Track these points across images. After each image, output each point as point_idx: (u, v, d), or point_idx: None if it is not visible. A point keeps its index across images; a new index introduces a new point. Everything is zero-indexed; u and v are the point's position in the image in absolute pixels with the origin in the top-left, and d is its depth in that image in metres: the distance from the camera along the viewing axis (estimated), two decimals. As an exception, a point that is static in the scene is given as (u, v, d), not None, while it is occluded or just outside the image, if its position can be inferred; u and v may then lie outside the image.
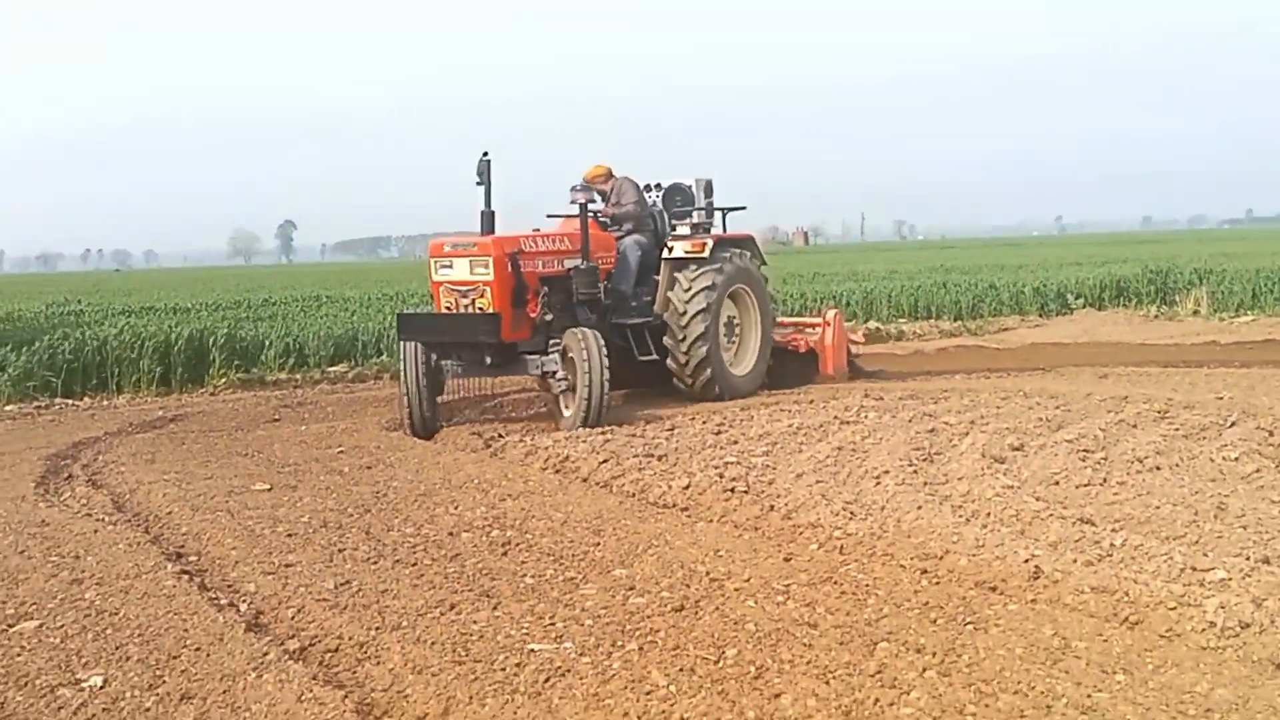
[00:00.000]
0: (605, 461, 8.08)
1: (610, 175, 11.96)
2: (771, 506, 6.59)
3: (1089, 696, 3.79)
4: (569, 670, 4.26)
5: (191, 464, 8.99)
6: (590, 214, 10.86)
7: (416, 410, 10.13)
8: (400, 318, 10.39)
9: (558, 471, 8.16)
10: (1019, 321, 21.04)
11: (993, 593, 5.04)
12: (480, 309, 10.04)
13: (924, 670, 4.10)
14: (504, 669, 4.31)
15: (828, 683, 4.04)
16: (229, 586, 5.62)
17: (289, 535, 6.49)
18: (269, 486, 7.90)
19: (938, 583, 5.20)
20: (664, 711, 3.85)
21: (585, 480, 7.83)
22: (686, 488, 7.15)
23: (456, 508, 7.03)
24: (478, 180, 10.24)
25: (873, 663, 4.19)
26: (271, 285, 39.99)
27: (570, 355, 9.99)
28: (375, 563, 5.88)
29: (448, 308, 10.18)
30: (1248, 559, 5.27)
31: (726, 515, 6.61)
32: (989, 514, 6.22)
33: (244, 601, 5.35)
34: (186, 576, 5.74)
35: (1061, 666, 4.08)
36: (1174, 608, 4.62)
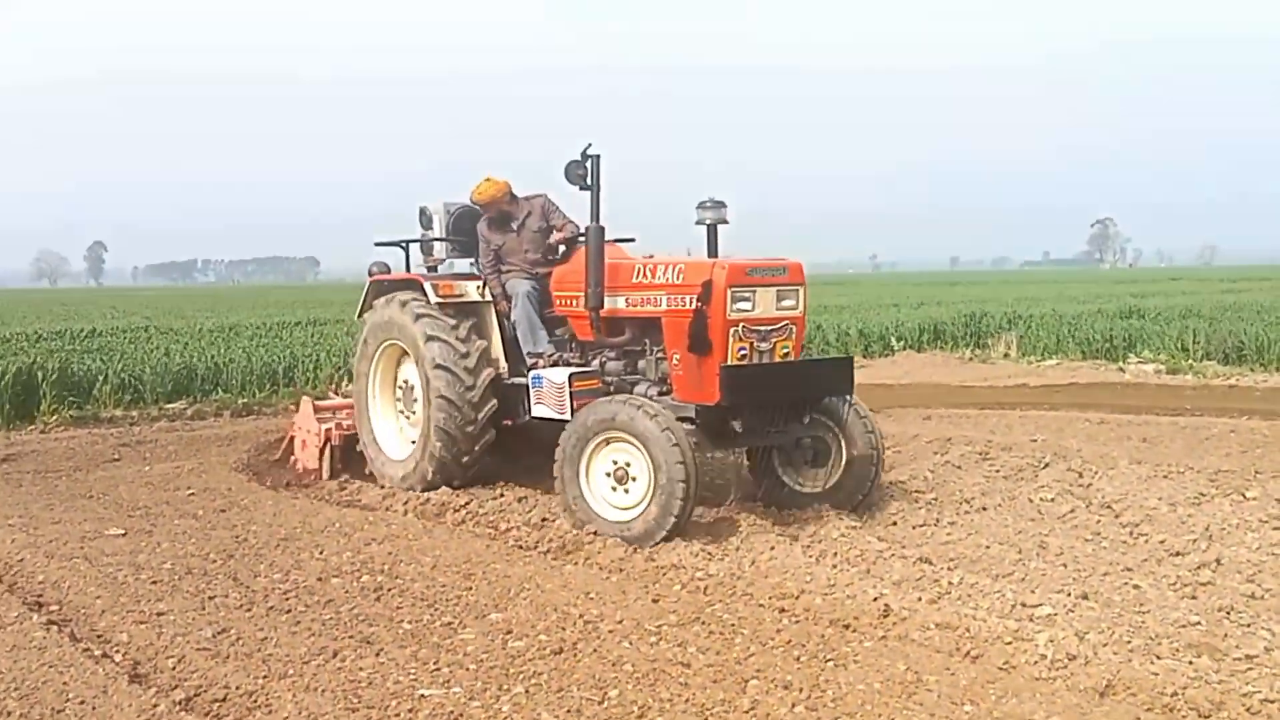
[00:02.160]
0: (468, 504, 8.25)
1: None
2: (634, 549, 6.90)
3: (941, 726, 4.20)
4: (461, 714, 4.46)
5: (34, 507, 8.74)
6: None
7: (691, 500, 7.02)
8: (727, 373, 7.31)
9: (419, 515, 8.28)
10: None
11: (847, 630, 5.45)
12: (784, 356, 7.65)
13: (794, 706, 4.46)
14: (398, 715, 4.48)
15: None
16: (100, 637, 5.59)
17: (154, 582, 6.45)
18: (123, 531, 7.78)
19: (797, 621, 5.59)
20: (558, 752, 4.09)
21: (449, 524, 7.98)
22: (543, 522, 7.48)
23: (322, 553, 7.10)
24: (582, 183, 7.85)
25: (745, 699, 4.53)
26: (89, 313, 38.37)
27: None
28: (249, 610, 5.93)
29: (741, 356, 7.43)
30: (1069, 595, 5.84)
31: (591, 557, 6.88)
32: (836, 553, 6.66)
33: (118, 652, 5.35)
34: (55, 627, 5.68)
35: (916, 699, 4.49)
36: (1009, 642, 5.11)
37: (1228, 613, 5.50)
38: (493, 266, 9.07)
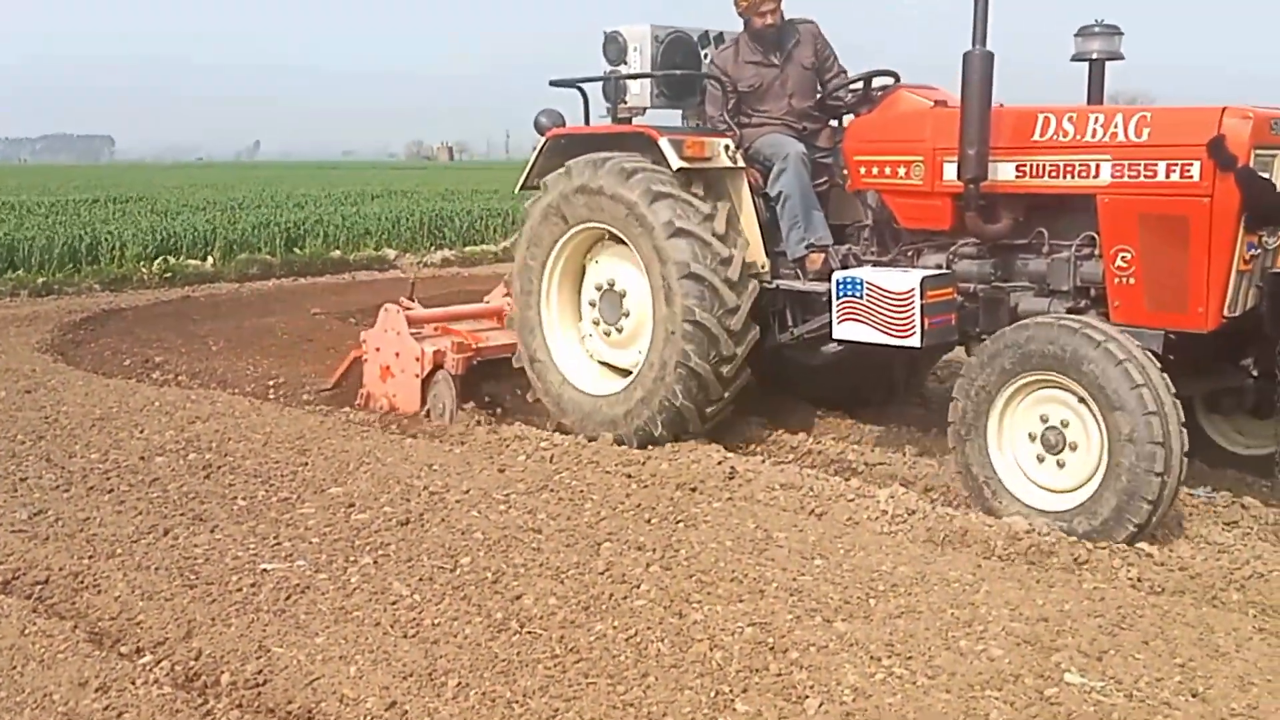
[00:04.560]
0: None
1: None
2: (478, 421, 6.77)
3: (795, 580, 4.27)
4: (309, 587, 4.30)
5: None
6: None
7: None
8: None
9: (248, 395, 7.94)
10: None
11: (694, 493, 5.49)
12: None
13: (648, 566, 4.46)
14: (240, 589, 4.29)
15: (562, 582, 4.31)
16: (-101, 523, 5.17)
17: (-44, 466, 6.01)
18: (-84, 414, 7.22)
19: (645, 486, 5.59)
20: (413, 619, 3.99)
21: (278, 401, 7.69)
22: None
23: (143, 432, 6.73)
24: None
25: (600, 561, 4.50)
26: None
27: None
28: (67, 490, 5.58)
29: (1252, 257, 4.91)
30: (906, 455, 6.06)
31: (434, 431, 6.73)
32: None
33: (-78, 538, 4.96)
34: None
35: (768, 555, 4.55)
36: (851, 499, 5.24)
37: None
38: (733, 116, 6.44)
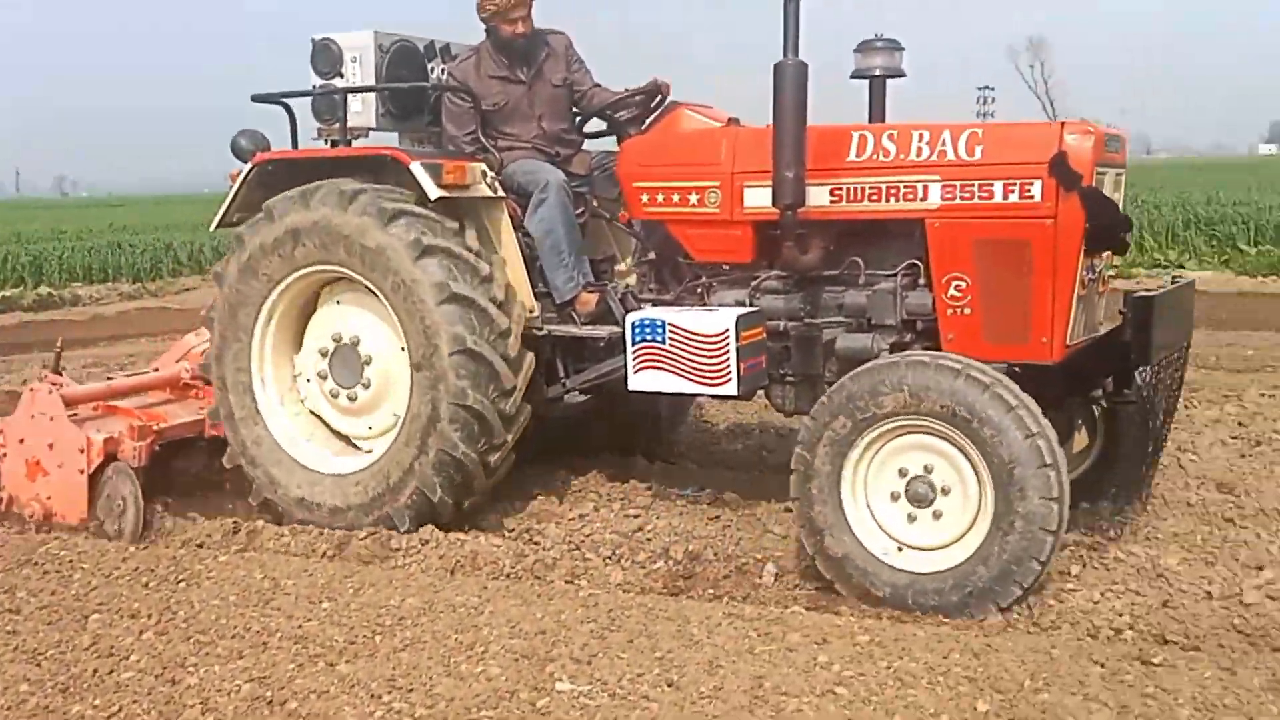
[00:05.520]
0: None
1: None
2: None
3: (300, 626, 4.17)
4: None
5: None
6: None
7: None
8: (1139, 306, 4.58)
9: None
10: (199, 281, 20.88)
11: (199, 549, 5.22)
12: (1108, 280, 5.15)
13: (141, 633, 4.18)
14: None
15: (39, 664, 3.95)
16: None
17: None
18: None
19: (144, 547, 5.25)
20: None
21: None
22: None
23: None
24: None
25: (86, 636, 4.17)
26: None
27: None
28: None
29: (1088, 282, 4.73)
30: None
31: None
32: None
33: None
34: None
35: (274, 605, 4.41)
36: (363, 537, 5.18)
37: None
38: (478, 140, 5.70)
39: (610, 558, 4.94)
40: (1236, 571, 4.44)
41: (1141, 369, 4.65)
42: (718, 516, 5.43)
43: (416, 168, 5.19)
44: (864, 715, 3.36)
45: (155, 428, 5.71)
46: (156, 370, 6.48)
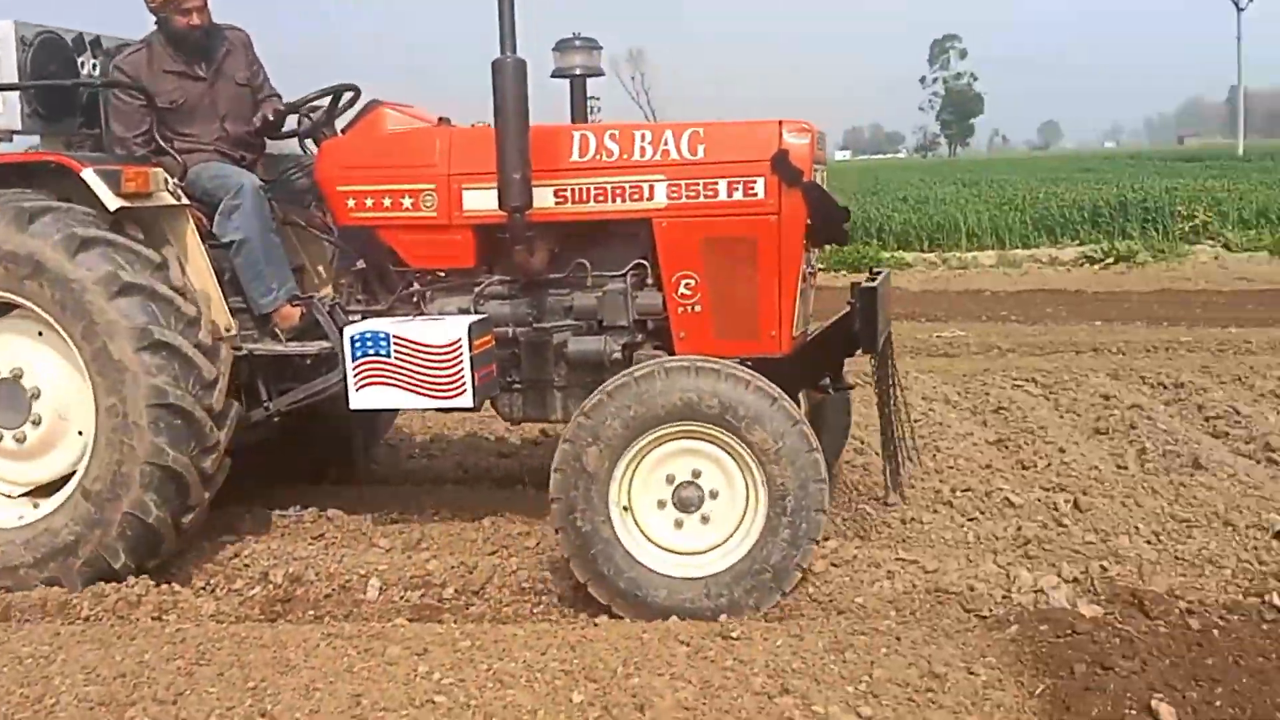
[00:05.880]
0: None
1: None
2: None
3: None
4: None
5: None
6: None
7: None
8: (866, 297, 4.71)
9: None
10: None
11: None
12: (810, 274, 5.23)
13: None
14: None
15: None
16: None
17: None
18: None
19: None
20: None
21: None
22: None
23: None
24: None
25: None
26: None
27: None
28: None
29: (808, 276, 5.05)
30: None
31: None
32: None
33: None
34: None
35: None
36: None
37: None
38: (151, 141, 5.18)
39: (204, 588, 4.70)
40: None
41: (871, 356, 4.94)
42: (321, 535, 5.30)
43: (90, 175, 4.63)
44: (462, 720, 3.39)
45: None
46: None
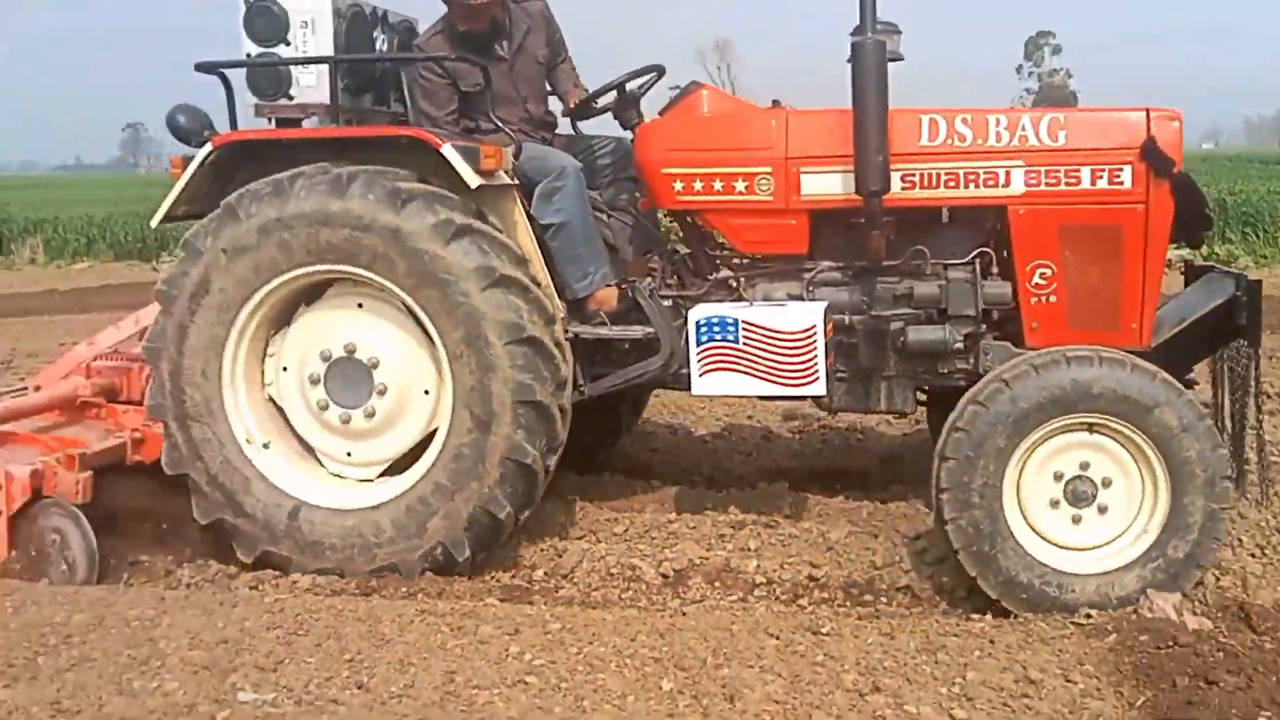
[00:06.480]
0: None
1: None
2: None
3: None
4: None
5: None
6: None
7: None
8: (1252, 292, 4.52)
9: None
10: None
11: None
12: None
13: None
14: None
15: None
16: None
17: None
18: None
19: None
20: None
21: None
22: None
23: None
24: None
25: None
26: None
27: None
28: None
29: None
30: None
31: None
32: None
33: None
34: None
35: (-83, 630, 4.02)
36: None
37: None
38: (458, 123, 5.09)
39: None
40: (897, 542, 4.81)
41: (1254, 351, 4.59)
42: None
43: (450, 151, 4.50)
44: (554, 702, 3.41)
45: (80, 454, 4.68)
46: (39, 389, 5.46)
